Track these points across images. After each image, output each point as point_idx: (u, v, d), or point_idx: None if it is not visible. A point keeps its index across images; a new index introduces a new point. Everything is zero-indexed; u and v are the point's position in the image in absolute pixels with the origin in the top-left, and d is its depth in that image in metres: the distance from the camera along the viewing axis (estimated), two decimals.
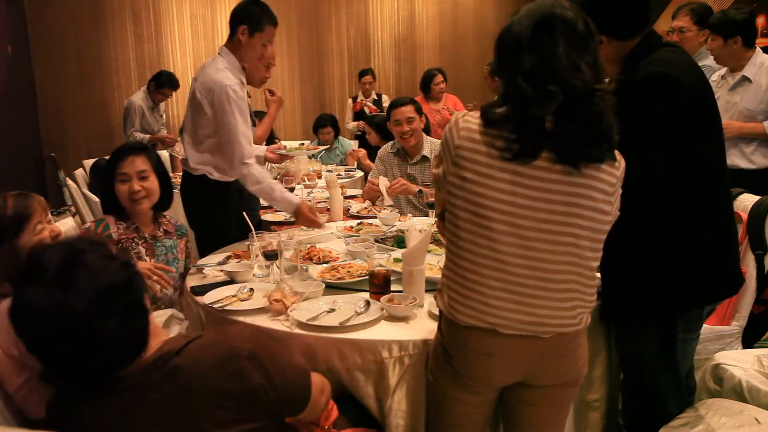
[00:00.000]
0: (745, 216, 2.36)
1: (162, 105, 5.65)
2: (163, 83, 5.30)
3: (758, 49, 3.20)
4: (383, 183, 3.23)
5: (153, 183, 2.11)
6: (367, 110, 6.14)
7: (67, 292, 1.00)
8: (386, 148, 3.53)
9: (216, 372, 1.07)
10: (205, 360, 1.09)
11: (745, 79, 3.17)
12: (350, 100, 6.41)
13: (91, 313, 1.00)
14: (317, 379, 1.31)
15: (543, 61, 1.26)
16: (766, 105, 3.13)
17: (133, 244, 2.08)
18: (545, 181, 1.29)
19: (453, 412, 1.51)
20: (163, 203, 2.22)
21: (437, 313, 1.73)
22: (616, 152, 1.35)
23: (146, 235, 2.13)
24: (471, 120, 1.33)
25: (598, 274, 1.78)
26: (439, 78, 5.46)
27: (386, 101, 6.09)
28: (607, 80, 1.35)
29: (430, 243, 2.24)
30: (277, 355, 1.18)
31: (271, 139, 5.40)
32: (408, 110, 3.28)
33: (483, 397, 1.48)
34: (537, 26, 1.29)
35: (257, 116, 3.41)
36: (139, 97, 5.37)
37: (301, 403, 1.25)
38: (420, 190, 3.16)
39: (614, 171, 1.34)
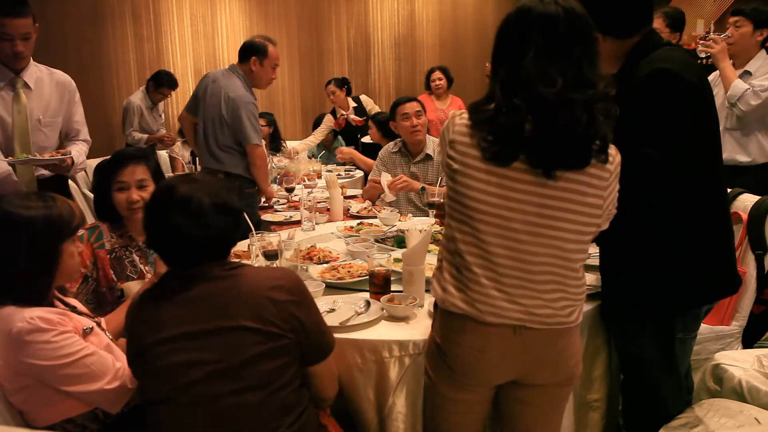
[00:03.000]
0: (745, 216, 2.36)
1: (161, 105, 5.64)
2: (161, 83, 5.29)
3: (764, 50, 3.29)
4: (385, 178, 3.22)
5: (150, 193, 2.08)
6: (352, 123, 5.35)
7: (200, 191, 1.36)
8: (387, 149, 3.52)
9: (268, 281, 1.34)
10: (263, 272, 1.40)
11: (747, 73, 3.24)
12: (329, 116, 5.45)
13: (216, 206, 1.36)
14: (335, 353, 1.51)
15: (514, 71, 1.29)
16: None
17: (127, 253, 2.04)
18: (527, 183, 1.30)
19: (449, 412, 1.51)
20: None
21: None
22: (611, 147, 1.35)
23: (140, 243, 2.08)
24: (465, 117, 1.37)
25: (594, 275, 1.79)
26: (437, 74, 5.42)
27: (367, 103, 5.62)
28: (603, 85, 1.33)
29: (430, 243, 2.24)
30: (313, 303, 1.42)
31: (276, 140, 5.40)
32: (416, 105, 3.30)
33: (478, 396, 1.48)
34: (517, 32, 1.31)
35: (260, 116, 3.45)
36: (137, 97, 5.36)
37: (325, 349, 1.44)
38: (423, 187, 3.15)
39: (603, 173, 1.33)
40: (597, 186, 1.33)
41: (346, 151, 4.72)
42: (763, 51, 3.26)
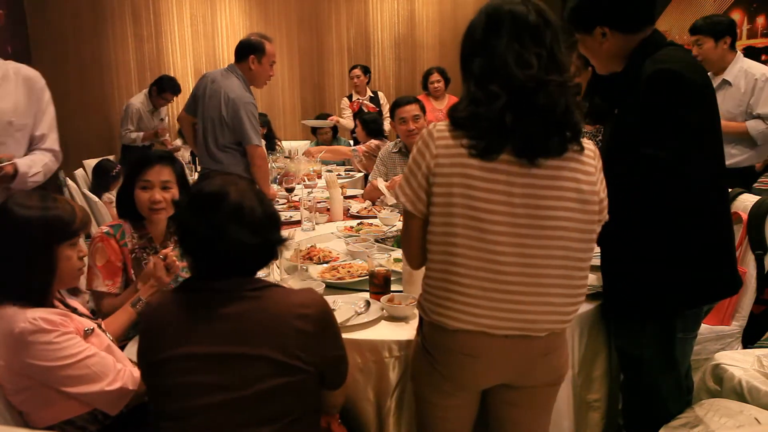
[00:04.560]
0: (745, 216, 2.36)
1: (163, 109, 5.65)
2: (164, 88, 5.31)
3: (739, 53, 3.35)
4: (381, 183, 3.23)
5: (174, 195, 2.05)
6: (365, 109, 5.90)
7: (250, 198, 1.30)
8: (387, 149, 3.53)
9: (295, 307, 1.26)
10: (290, 296, 1.30)
11: (726, 83, 3.30)
12: (345, 99, 6.02)
13: (267, 216, 1.31)
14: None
15: (489, 62, 1.29)
16: (746, 107, 3.26)
17: (144, 255, 2.06)
18: (520, 176, 1.29)
19: (438, 418, 1.49)
20: None
21: None
22: (587, 143, 1.35)
23: (157, 246, 2.08)
24: (441, 128, 1.34)
25: (594, 275, 1.79)
26: (435, 76, 5.49)
27: (383, 99, 5.94)
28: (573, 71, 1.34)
29: None
30: (338, 333, 1.37)
31: (270, 140, 5.41)
32: (414, 108, 3.29)
33: (464, 401, 1.47)
34: (486, 28, 1.32)
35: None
36: (138, 100, 5.36)
37: (342, 378, 1.42)
38: None
39: (588, 160, 1.33)
40: (587, 172, 1.33)
41: (314, 150, 4.80)
42: (739, 54, 3.31)
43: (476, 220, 1.30)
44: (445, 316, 1.36)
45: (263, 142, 3.42)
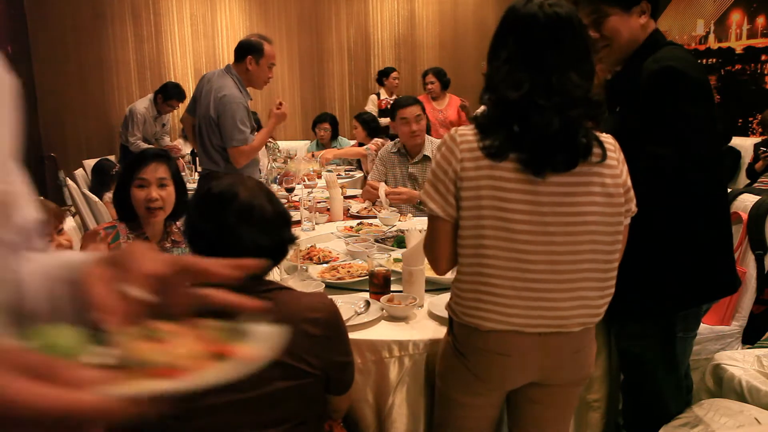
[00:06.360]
0: (745, 216, 2.36)
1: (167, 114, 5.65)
2: (170, 95, 5.30)
3: None
4: (382, 189, 3.23)
5: (170, 193, 2.05)
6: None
7: (259, 197, 1.29)
8: (387, 149, 3.53)
9: (305, 311, 1.26)
10: (300, 299, 1.30)
11: None
12: (374, 96, 6.28)
13: (277, 214, 1.30)
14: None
15: (490, 72, 1.35)
16: None
17: None
18: (552, 185, 1.30)
19: (462, 418, 1.50)
20: (177, 214, 2.13)
21: (437, 313, 1.73)
22: (605, 138, 1.35)
23: (154, 246, 2.09)
24: (464, 132, 1.36)
25: None
26: (430, 77, 5.57)
27: None
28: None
29: None
30: (346, 339, 1.36)
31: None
32: (416, 109, 3.28)
33: (492, 401, 1.47)
34: (499, 30, 1.36)
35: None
36: (142, 105, 5.33)
37: (348, 383, 1.41)
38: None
39: (609, 153, 1.33)
40: (611, 166, 1.34)
41: (328, 151, 4.81)
42: None
43: (504, 220, 1.31)
44: (478, 318, 1.37)
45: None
